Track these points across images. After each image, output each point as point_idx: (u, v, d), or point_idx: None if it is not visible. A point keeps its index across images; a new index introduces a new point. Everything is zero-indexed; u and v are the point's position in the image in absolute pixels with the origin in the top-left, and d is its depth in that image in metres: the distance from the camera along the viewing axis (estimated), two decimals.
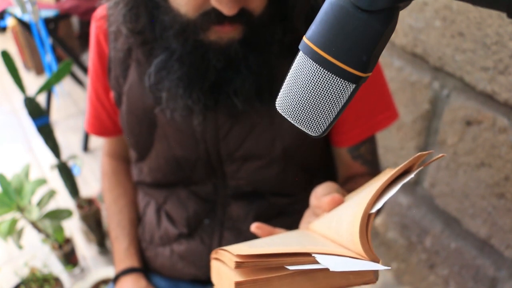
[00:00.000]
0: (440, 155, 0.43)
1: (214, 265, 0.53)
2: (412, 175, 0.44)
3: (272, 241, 0.52)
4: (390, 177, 0.44)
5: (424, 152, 0.43)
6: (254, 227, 0.61)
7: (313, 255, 0.42)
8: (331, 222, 0.52)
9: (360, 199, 0.47)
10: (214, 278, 0.54)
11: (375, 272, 0.43)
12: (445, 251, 1.18)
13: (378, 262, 0.42)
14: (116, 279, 0.84)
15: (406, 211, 1.27)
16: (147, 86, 0.70)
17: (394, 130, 1.22)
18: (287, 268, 0.42)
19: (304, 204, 0.83)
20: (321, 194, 0.60)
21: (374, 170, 0.83)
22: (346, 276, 0.43)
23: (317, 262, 0.41)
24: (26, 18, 1.73)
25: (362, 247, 0.42)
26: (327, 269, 0.40)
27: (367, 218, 0.44)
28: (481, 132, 0.98)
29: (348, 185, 0.81)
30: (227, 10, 0.56)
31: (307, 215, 0.64)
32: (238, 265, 0.42)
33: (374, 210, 0.44)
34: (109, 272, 1.34)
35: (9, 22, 2.14)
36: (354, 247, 0.44)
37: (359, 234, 0.43)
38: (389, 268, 0.42)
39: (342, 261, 0.41)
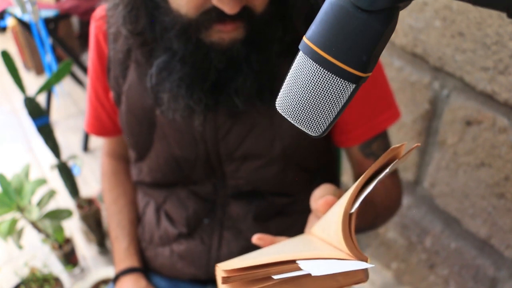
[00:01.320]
0: (415, 145, 0.43)
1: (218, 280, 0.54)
2: (387, 170, 0.44)
3: (266, 251, 0.52)
4: (365, 175, 0.45)
5: (396, 146, 0.43)
6: (256, 238, 0.60)
7: (296, 261, 0.42)
8: (324, 224, 0.52)
9: (343, 199, 0.48)
10: None
11: (365, 271, 0.43)
12: (445, 251, 1.18)
13: (365, 260, 0.42)
14: (116, 279, 0.84)
15: (406, 211, 1.27)
16: (148, 87, 0.70)
17: (394, 130, 1.22)
18: (274, 278, 0.42)
19: (303, 204, 0.83)
20: (318, 197, 0.60)
21: None
22: (335, 278, 0.43)
23: (301, 269, 0.41)
24: (26, 18, 1.73)
25: (347, 247, 0.43)
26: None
27: (349, 218, 0.44)
28: (481, 132, 0.98)
29: None
30: (229, 8, 0.56)
31: (311, 219, 0.63)
32: (225, 280, 0.42)
33: (353, 209, 0.44)
34: (109, 272, 1.34)
35: (9, 22, 2.14)
36: (343, 247, 0.44)
37: (343, 235, 0.43)
38: (373, 266, 0.41)
39: (326, 265, 0.41)
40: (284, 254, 0.45)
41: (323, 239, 0.51)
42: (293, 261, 0.43)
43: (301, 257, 0.43)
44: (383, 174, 0.44)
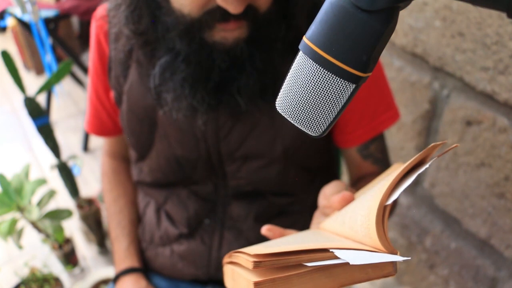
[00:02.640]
0: (455, 145, 0.43)
1: (228, 269, 0.52)
2: (426, 166, 0.43)
3: (286, 241, 0.51)
4: (405, 169, 0.44)
5: (438, 143, 0.43)
6: (265, 229, 0.60)
7: (331, 250, 0.41)
8: (344, 219, 0.51)
9: (374, 193, 0.47)
10: (229, 283, 0.53)
11: (394, 265, 0.42)
12: (445, 251, 1.18)
13: (396, 254, 0.41)
14: (116, 279, 0.84)
15: (406, 211, 1.27)
16: (152, 87, 0.70)
17: (394, 130, 1.22)
18: (305, 266, 0.41)
19: (304, 204, 0.83)
20: (330, 193, 0.60)
21: (385, 168, 0.82)
22: (365, 270, 0.42)
23: (335, 258, 0.40)
24: (26, 18, 1.73)
25: (379, 239, 0.42)
26: (345, 265, 0.40)
27: (383, 210, 0.43)
28: (481, 132, 0.98)
29: (359, 185, 0.80)
30: (233, 8, 0.56)
31: (317, 216, 0.63)
32: (257, 265, 0.41)
33: (389, 201, 0.43)
34: (109, 272, 1.34)
35: (9, 22, 2.14)
36: (370, 241, 0.43)
37: (376, 227, 0.42)
38: (409, 258, 0.41)
39: (360, 255, 0.41)
40: (311, 243, 0.45)
41: (341, 235, 0.50)
42: (325, 250, 0.42)
43: (334, 246, 0.43)
44: (421, 170, 0.43)
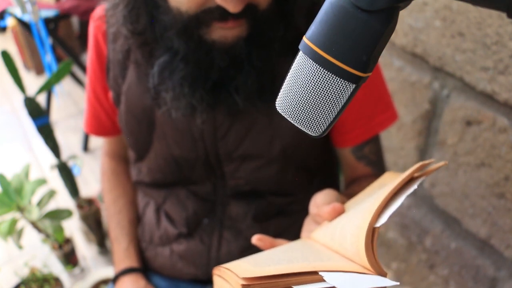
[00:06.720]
0: (442, 162, 0.43)
1: (218, 282, 0.52)
2: (415, 186, 0.43)
3: (276, 256, 0.51)
4: (394, 189, 0.44)
5: (426, 161, 0.43)
6: (256, 239, 0.60)
7: (320, 273, 0.42)
8: (334, 232, 0.51)
9: (363, 210, 0.47)
10: None
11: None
12: (445, 251, 1.18)
13: (385, 276, 0.41)
14: (115, 279, 0.84)
15: (406, 211, 1.27)
16: (151, 87, 0.70)
17: (394, 130, 1.22)
18: None
19: (303, 204, 0.83)
20: (321, 202, 0.59)
21: (379, 171, 0.82)
22: None
23: (324, 281, 0.41)
24: (26, 18, 1.73)
25: (369, 261, 0.42)
26: (333, 287, 0.40)
27: (372, 232, 0.43)
28: (481, 132, 0.98)
29: (352, 187, 0.80)
30: (232, 7, 0.56)
31: (307, 222, 0.63)
32: None
33: (379, 224, 0.43)
34: (109, 272, 1.34)
35: (9, 22, 2.14)
36: (359, 261, 0.44)
37: (365, 249, 0.43)
38: (398, 283, 0.41)
39: (349, 278, 0.41)
40: (300, 263, 0.45)
41: (332, 248, 0.50)
42: (314, 272, 0.42)
43: (323, 268, 0.43)
44: (411, 190, 0.43)
